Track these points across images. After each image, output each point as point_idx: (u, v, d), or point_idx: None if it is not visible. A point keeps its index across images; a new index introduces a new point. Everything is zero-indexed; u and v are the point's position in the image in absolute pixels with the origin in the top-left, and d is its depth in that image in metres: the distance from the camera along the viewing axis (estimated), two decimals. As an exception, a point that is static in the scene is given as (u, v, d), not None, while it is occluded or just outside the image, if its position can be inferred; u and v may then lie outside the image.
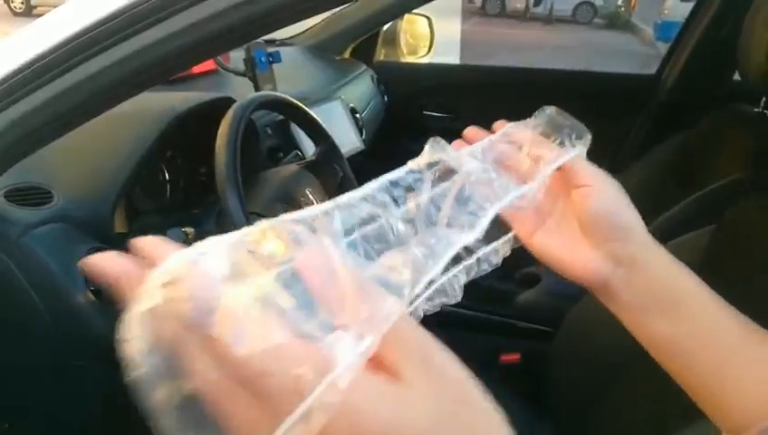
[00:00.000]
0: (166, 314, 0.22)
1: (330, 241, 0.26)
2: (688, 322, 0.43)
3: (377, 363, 0.23)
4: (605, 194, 0.45)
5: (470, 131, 0.49)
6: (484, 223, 0.38)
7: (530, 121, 0.49)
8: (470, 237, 0.36)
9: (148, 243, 0.26)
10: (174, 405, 0.22)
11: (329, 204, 0.29)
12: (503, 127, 0.49)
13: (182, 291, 0.22)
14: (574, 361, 1.05)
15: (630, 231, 0.44)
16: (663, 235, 0.88)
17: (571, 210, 0.46)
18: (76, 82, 0.63)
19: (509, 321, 1.39)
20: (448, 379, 0.24)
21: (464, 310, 1.38)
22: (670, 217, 1.13)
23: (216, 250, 0.23)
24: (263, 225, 0.25)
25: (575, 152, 0.46)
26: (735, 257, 0.82)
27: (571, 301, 1.08)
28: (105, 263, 0.25)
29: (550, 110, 0.49)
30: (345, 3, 0.58)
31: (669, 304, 0.43)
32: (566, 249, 0.46)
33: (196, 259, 0.22)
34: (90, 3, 0.63)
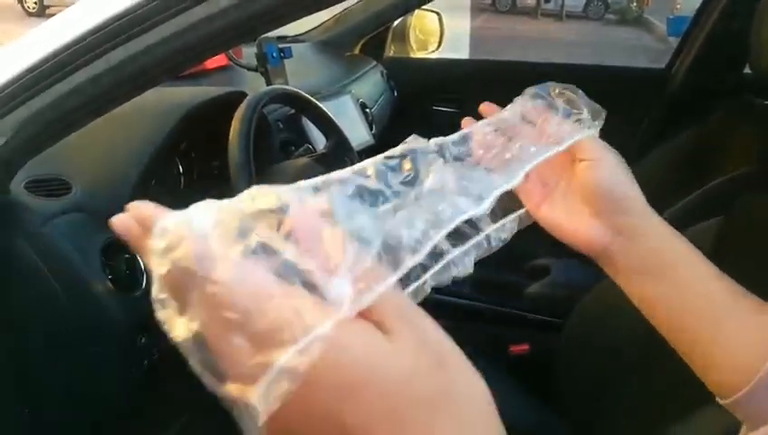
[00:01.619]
0: (172, 272, 0.23)
1: (322, 199, 0.27)
2: (682, 286, 0.45)
3: (364, 315, 0.24)
4: (607, 167, 0.47)
5: (486, 106, 0.52)
6: (495, 194, 0.38)
7: (548, 99, 0.50)
8: (478, 210, 0.36)
9: (141, 208, 0.27)
10: (189, 342, 0.23)
11: (319, 178, 0.30)
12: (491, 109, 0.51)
13: (182, 250, 0.23)
14: (583, 352, 1.05)
15: (630, 202, 0.47)
16: (672, 226, 0.89)
17: (575, 182, 0.48)
18: (91, 77, 0.65)
19: (518, 312, 1.40)
20: (430, 339, 0.25)
21: (473, 301, 1.40)
22: (679, 209, 1.14)
23: (207, 210, 0.24)
24: (252, 189, 0.26)
25: (592, 132, 0.48)
26: (743, 249, 0.83)
27: (581, 292, 1.08)
28: (116, 222, 0.27)
29: (569, 88, 0.50)
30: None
31: (664, 270, 0.46)
32: (570, 219, 0.48)
33: (190, 218, 0.24)
34: (103, 1, 0.65)
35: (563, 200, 0.49)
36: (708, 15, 1.68)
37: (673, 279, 0.45)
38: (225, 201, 0.25)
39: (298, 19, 0.62)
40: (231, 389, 0.23)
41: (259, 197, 0.25)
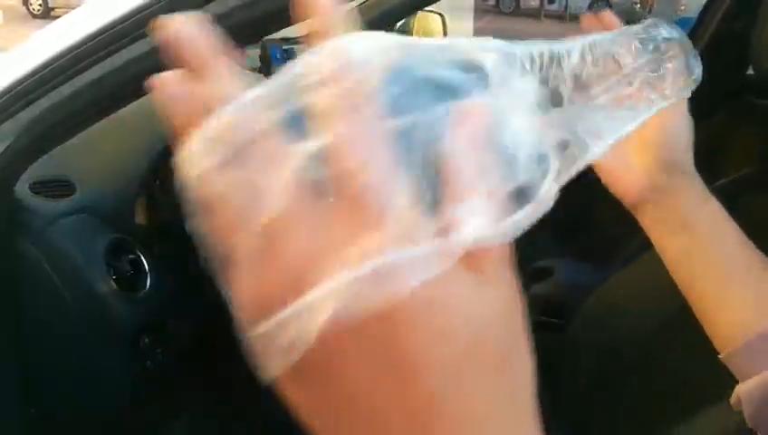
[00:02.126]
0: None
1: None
2: (703, 244, 0.47)
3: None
4: (672, 125, 0.49)
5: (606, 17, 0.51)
6: (642, 118, 0.35)
7: (643, 33, 0.44)
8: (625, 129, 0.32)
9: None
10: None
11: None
12: (611, 19, 0.50)
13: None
14: (586, 353, 1.05)
15: (679, 165, 0.49)
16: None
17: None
18: (96, 79, 0.66)
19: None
20: (515, 288, 0.22)
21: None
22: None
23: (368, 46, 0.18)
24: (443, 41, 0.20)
25: (687, 94, 0.46)
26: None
27: (584, 294, 1.08)
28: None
29: (668, 30, 0.46)
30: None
31: (691, 224, 0.48)
32: (618, 166, 0.49)
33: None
34: (109, 2, 0.66)
35: (618, 145, 0.49)
36: (712, 17, 1.68)
37: (697, 238, 0.47)
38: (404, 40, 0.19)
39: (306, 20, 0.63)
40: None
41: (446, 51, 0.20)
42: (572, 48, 0.30)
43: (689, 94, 0.47)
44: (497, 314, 0.20)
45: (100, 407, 0.94)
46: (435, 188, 0.18)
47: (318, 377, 0.18)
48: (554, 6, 14.12)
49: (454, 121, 0.19)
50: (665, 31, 0.46)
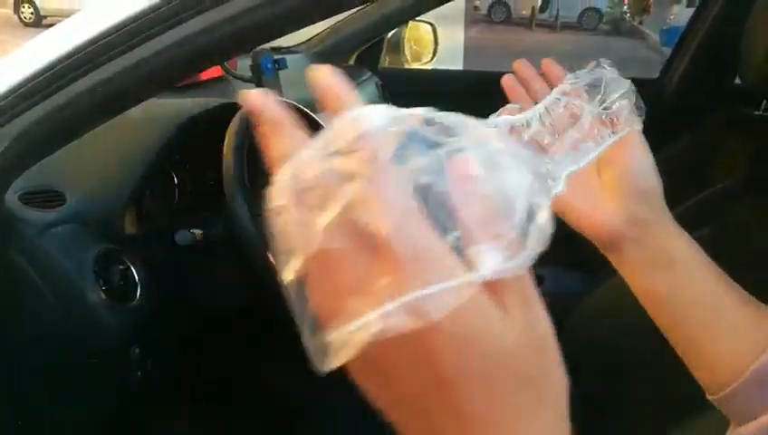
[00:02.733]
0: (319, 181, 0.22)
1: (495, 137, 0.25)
2: (684, 281, 0.46)
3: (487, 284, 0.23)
4: (639, 154, 0.47)
5: (548, 67, 0.51)
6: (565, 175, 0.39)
7: (588, 78, 0.48)
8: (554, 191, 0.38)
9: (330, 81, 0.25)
10: (292, 282, 0.23)
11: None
12: (553, 69, 0.50)
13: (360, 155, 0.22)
14: (577, 360, 1.05)
15: (652, 194, 0.47)
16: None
17: (601, 163, 0.48)
18: (88, 88, 0.66)
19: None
20: (539, 325, 0.25)
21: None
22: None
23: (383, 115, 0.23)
24: (423, 111, 0.25)
25: (636, 127, 0.47)
26: (734, 259, 0.83)
27: (574, 301, 1.09)
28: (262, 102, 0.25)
29: (610, 70, 0.48)
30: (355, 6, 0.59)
31: (669, 264, 0.46)
32: (588, 204, 0.48)
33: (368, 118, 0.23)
34: (102, 11, 0.66)
35: (584, 185, 0.48)
36: (700, 26, 1.70)
37: (679, 275, 0.46)
38: (401, 111, 0.24)
39: (313, 24, 0.63)
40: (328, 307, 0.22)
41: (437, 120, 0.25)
42: (531, 118, 0.39)
43: (641, 125, 0.48)
44: (519, 337, 0.23)
45: (88, 418, 0.93)
46: (449, 229, 0.23)
47: (379, 378, 0.23)
48: (545, 16, 14.22)
49: (452, 165, 0.23)
50: (608, 72, 0.48)
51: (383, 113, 0.23)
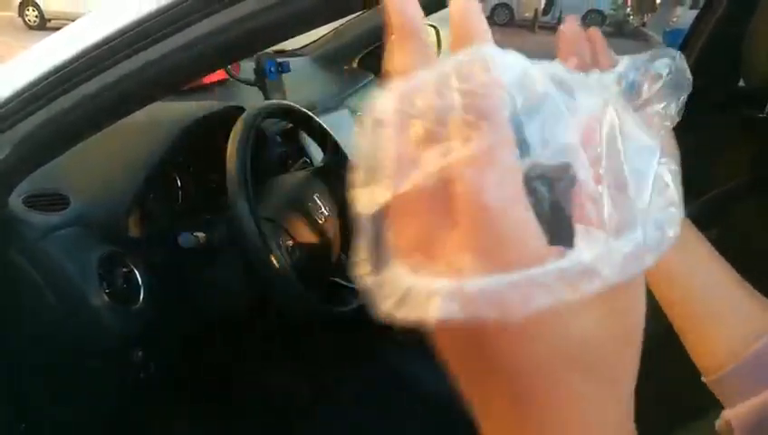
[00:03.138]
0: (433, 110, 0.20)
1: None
2: (695, 262, 0.48)
3: None
4: None
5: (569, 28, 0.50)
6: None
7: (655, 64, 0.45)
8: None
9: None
10: (370, 213, 0.21)
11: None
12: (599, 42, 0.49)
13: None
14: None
15: None
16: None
17: None
18: (93, 92, 0.66)
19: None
20: (632, 309, 0.23)
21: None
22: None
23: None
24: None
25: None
26: (738, 259, 0.83)
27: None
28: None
29: (679, 62, 0.46)
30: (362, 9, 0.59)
31: (684, 243, 0.48)
32: None
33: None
34: (108, 14, 0.66)
35: None
36: (704, 28, 1.70)
37: (690, 256, 0.48)
38: (533, 68, 0.21)
39: (322, 25, 0.63)
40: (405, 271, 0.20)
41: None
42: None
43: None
44: (600, 321, 0.21)
45: (88, 419, 0.93)
46: (555, 215, 0.20)
47: (445, 349, 0.21)
48: (548, 18, 14.21)
49: (579, 144, 0.21)
50: (669, 59, 0.46)
51: (516, 64, 0.21)
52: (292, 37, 0.67)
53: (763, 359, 0.44)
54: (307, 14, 0.58)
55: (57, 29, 0.73)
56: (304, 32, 0.64)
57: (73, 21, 0.71)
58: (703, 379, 0.48)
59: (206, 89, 1.46)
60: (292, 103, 1.17)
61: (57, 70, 0.66)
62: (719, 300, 0.48)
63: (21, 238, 0.81)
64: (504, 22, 14.57)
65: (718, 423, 0.46)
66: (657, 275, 0.49)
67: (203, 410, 1.24)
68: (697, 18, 1.74)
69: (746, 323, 0.46)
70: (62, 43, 0.68)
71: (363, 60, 2.06)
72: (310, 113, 1.18)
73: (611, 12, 13.98)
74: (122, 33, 0.63)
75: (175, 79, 0.65)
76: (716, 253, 0.49)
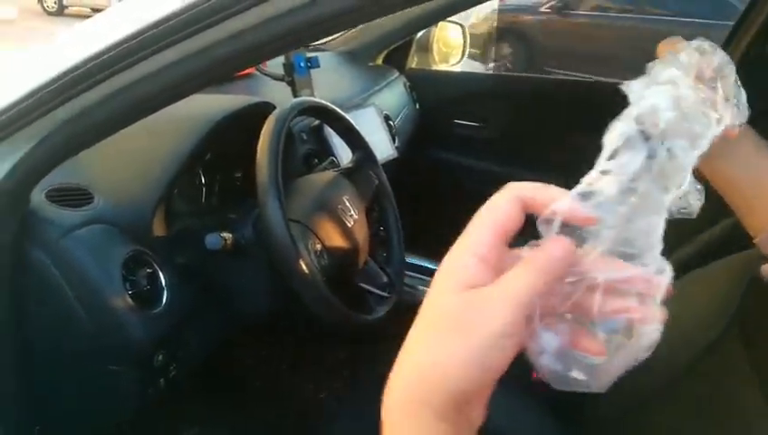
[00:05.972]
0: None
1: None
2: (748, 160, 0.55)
3: None
4: None
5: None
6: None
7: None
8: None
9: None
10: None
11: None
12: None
13: None
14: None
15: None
16: (704, 257, 0.84)
17: None
18: (120, 88, 0.62)
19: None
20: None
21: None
22: (710, 238, 1.09)
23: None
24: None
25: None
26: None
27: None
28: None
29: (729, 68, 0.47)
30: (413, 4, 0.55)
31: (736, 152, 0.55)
32: None
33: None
34: (137, 8, 0.62)
35: None
36: (743, 35, 1.64)
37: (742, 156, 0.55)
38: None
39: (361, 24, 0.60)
40: None
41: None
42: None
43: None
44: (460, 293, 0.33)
45: (108, 425, 0.90)
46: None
47: None
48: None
49: None
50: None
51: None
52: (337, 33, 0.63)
53: None
54: (353, 13, 0.54)
55: (75, 15, 0.69)
56: (340, 30, 0.60)
57: (91, 7, 0.67)
58: (755, 241, 0.56)
59: (233, 82, 1.42)
60: (323, 101, 1.13)
61: (84, 64, 0.62)
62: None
63: (43, 235, 0.77)
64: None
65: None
66: (717, 172, 0.55)
67: (224, 415, 1.21)
68: (736, 25, 1.68)
69: None
70: (90, 35, 0.65)
71: (389, 56, 2.02)
72: (341, 112, 1.14)
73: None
74: (157, 25, 0.59)
75: (217, 72, 0.61)
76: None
